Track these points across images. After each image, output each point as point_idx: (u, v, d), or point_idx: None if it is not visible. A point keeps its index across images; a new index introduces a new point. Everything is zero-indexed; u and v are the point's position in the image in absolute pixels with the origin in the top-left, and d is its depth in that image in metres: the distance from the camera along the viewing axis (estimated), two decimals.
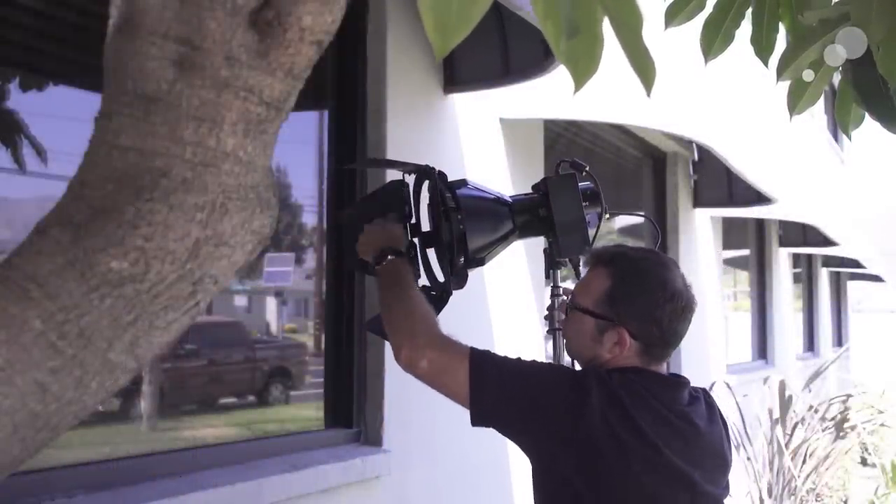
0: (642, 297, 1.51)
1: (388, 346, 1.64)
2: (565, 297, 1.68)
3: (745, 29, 1.66)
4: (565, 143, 4.38)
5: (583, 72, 0.70)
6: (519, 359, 1.52)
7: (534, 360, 1.53)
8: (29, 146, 2.03)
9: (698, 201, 5.90)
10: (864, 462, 7.38)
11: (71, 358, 0.81)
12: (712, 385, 5.16)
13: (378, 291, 1.61)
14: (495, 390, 1.44)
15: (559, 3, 0.66)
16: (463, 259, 1.62)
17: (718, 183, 5.75)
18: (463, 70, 3.07)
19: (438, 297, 1.66)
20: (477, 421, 1.45)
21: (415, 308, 1.54)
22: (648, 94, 0.74)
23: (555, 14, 0.66)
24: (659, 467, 1.41)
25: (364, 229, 1.66)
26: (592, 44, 0.69)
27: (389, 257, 1.60)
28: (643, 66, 0.72)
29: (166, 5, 0.85)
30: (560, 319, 1.67)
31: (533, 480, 1.52)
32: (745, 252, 8.10)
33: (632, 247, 1.63)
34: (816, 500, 5.62)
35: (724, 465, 1.55)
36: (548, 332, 1.73)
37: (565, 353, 1.66)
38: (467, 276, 1.66)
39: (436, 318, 1.56)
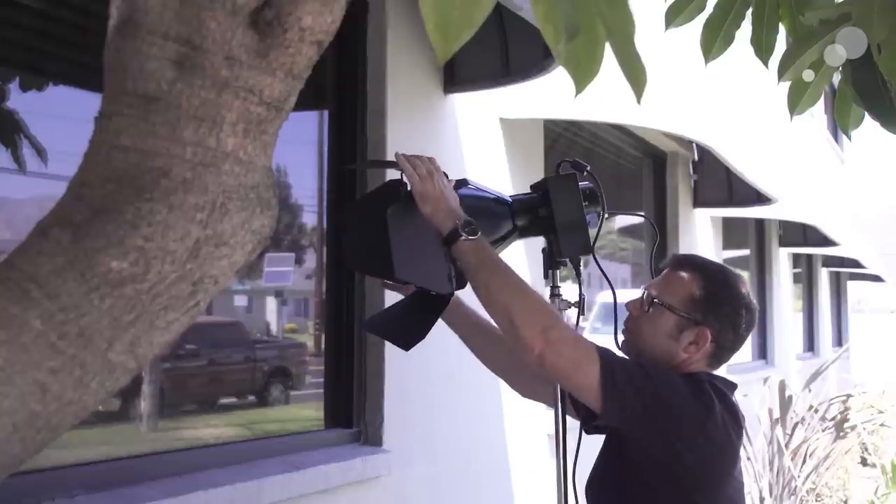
0: (728, 302, 1.60)
1: (387, 347, 1.63)
2: (564, 298, 1.69)
3: (745, 29, 1.66)
4: (565, 143, 4.38)
5: (584, 75, 0.70)
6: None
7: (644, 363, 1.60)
8: (29, 146, 2.03)
9: (698, 201, 5.89)
10: (864, 462, 7.38)
11: (71, 358, 0.81)
12: None
13: (467, 272, 1.50)
14: (627, 389, 1.44)
15: (559, 7, 0.65)
16: None
17: (718, 183, 5.75)
18: (463, 70, 3.07)
19: (439, 296, 1.65)
20: (607, 419, 1.47)
21: (533, 296, 1.48)
22: (639, 101, 0.74)
23: (555, 17, 0.65)
24: (740, 464, 1.58)
25: (424, 193, 1.49)
26: (593, 47, 0.69)
27: (464, 236, 1.47)
28: (634, 73, 0.73)
29: (166, 5, 0.85)
30: (634, 315, 1.66)
31: (620, 473, 1.57)
32: (745, 252, 8.09)
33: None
34: (816, 500, 5.62)
35: None
36: None
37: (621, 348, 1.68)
38: None
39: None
